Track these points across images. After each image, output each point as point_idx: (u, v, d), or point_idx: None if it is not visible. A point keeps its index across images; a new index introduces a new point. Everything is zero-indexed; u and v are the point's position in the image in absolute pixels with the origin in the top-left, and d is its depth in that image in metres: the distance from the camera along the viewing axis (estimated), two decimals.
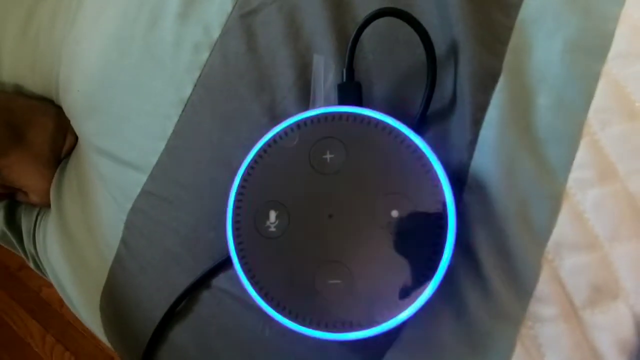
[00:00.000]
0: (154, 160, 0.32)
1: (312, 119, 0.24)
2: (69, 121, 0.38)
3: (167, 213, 0.31)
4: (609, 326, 0.21)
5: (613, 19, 0.25)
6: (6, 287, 1.07)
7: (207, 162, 0.31)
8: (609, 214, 0.22)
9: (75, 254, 0.36)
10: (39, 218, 0.41)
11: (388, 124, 0.23)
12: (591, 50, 0.24)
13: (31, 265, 0.44)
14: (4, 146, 0.35)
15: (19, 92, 0.39)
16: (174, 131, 0.32)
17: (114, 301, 0.33)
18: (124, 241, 0.33)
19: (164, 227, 0.31)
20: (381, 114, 0.24)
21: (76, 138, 0.39)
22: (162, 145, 0.32)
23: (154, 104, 0.33)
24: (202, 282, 0.29)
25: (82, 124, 0.36)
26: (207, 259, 0.29)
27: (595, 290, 0.21)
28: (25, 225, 0.42)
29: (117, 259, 0.33)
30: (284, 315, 0.23)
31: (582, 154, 0.23)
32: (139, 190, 0.32)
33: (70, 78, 0.36)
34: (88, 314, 0.35)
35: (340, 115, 0.24)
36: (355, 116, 0.24)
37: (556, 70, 0.24)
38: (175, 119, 0.32)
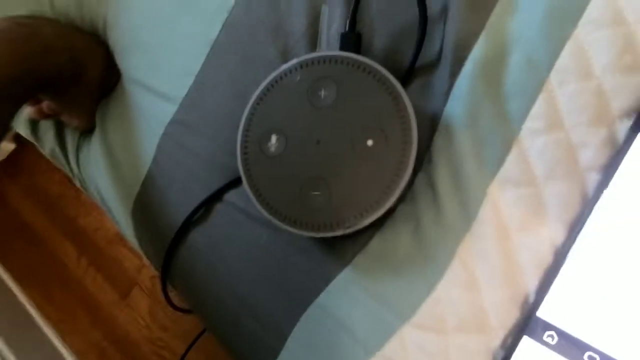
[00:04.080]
0: (183, 92, 0.37)
1: (312, 60, 0.29)
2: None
3: (191, 139, 0.37)
4: (531, 246, 0.26)
5: None
6: (47, 211, 1.17)
7: (228, 96, 0.36)
8: (549, 157, 0.26)
9: (114, 168, 0.42)
10: (82, 138, 0.46)
11: (375, 69, 0.28)
12: (566, 15, 0.27)
13: (76, 182, 0.49)
14: (66, 84, 0.38)
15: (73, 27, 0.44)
16: (201, 68, 0.37)
17: (145, 208, 0.39)
18: (155, 160, 0.38)
19: (188, 151, 0.37)
20: (371, 61, 0.28)
21: (119, 72, 0.43)
22: (190, 80, 0.37)
23: (186, 42, 0.37)
24: (217, 196, 0.35)
25: (124, 59, 0.41)
26: (223, 177, 0.35)
27: (526, 218, 0.26)
28: (70, 143, 0.47)
29: (149, 174, 0.39)
30: (278, 219, 0.29)
31: (537, 108, 0.26)
32: (169, 118, 0.38)
33: (116, 16, 0.40)
34: (122, 218, 0.42)
35: (337, 58, 0.28)
36: (349, 60, 0.28)
37: (532, 32, 0.27)
38: (203, 58, 0.36)
